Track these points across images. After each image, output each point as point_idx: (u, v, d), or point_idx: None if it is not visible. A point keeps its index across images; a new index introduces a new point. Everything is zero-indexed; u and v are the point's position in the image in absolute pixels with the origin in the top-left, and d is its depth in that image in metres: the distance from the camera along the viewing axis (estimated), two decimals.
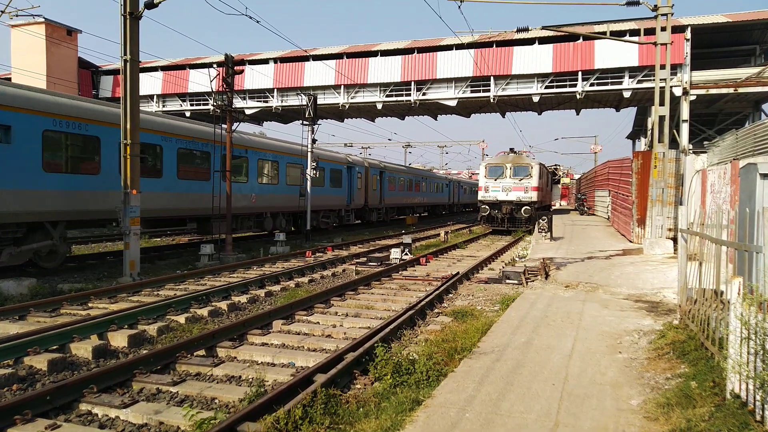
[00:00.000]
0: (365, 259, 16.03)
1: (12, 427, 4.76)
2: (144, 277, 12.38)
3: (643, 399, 4.92)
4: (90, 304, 9.80)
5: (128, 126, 12.39)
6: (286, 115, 34.96)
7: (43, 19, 30.60)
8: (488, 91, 27.81)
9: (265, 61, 31.16)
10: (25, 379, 6.08)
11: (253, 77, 30.66)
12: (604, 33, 22.04)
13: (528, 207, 27.66)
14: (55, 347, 7.06)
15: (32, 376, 6.17)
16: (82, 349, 7.03)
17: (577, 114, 35.19)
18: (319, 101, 28.02)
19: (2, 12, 14.13)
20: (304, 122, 22.73)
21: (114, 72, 33.53)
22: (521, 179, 28.11)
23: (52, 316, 8.97)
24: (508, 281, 12.25)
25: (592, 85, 26.33)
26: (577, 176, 67.31)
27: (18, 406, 4.90)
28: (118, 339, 7.55)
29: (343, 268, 14.91)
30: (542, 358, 6.11)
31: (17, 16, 29.44)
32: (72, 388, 5.42)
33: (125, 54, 12.38)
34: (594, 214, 38.78)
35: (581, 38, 25.57)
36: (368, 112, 33.99)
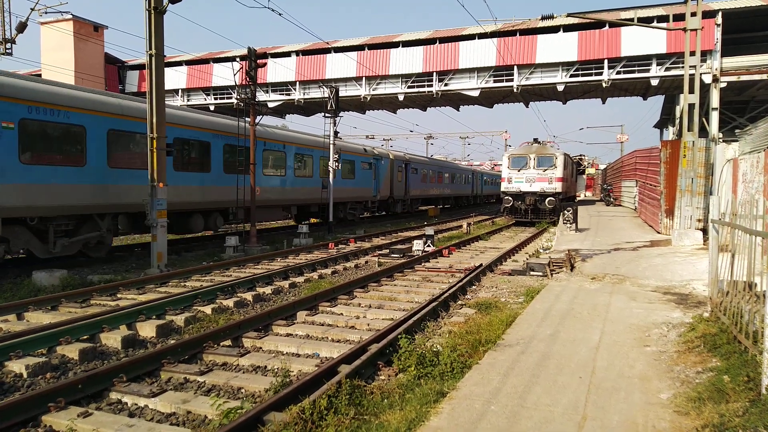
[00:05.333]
0: (388, 250, 16.03)
1: (47, 414, 4.89)
2: (171, 269, 12.59)
3: (673, 393, 4.82)
4: (119, 295, 10.02)
5: (154, 120, 12.55)
6: (308, 108, 35.03)
7: (71, 16, 31.16)
8: (511, 80, 27.40)
9: (287, 54, 31.23)
10: (58, 367, 6.25)
11: (276, 70, 30.79)
12: (631, 19, 21.53)
13: (552, 198, 27.28)
14: (85, 337, 7.23)
15: (64, 365, 6.34)
16: (112, 339, 7.19)
17: (603, 103, 34.45)
18: (341, 93, 27.98)
19: (32, 9, 14.45)
20: (326, 114, 22.78)
21: (140, 67, 34.01)
22: (545, 170, 27.72)
23: (83, 306, 9.19)
24: (532, 273, 12.11)
25: (618, 73, 25.74)
26: (602, 166, 66.12)
27: (52, 394, 5.04)
28: (147, 329, 7.70)
29: (366, 259, 14.94)
30: (569, 351, 6.03)
31: (46, 13, 30.04)
32: (102, 377, 5.55)
33: (150, 49, 12.53)
34: (620, 205, 38.05)
35: (607, 25, 24.99)
36: (390, 103, 33.83)
